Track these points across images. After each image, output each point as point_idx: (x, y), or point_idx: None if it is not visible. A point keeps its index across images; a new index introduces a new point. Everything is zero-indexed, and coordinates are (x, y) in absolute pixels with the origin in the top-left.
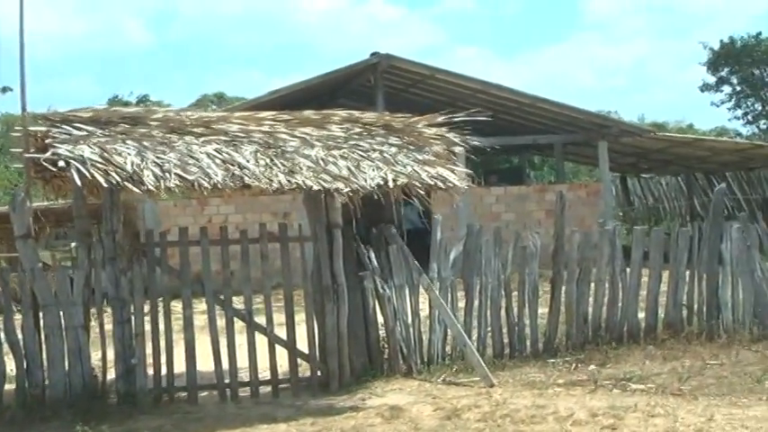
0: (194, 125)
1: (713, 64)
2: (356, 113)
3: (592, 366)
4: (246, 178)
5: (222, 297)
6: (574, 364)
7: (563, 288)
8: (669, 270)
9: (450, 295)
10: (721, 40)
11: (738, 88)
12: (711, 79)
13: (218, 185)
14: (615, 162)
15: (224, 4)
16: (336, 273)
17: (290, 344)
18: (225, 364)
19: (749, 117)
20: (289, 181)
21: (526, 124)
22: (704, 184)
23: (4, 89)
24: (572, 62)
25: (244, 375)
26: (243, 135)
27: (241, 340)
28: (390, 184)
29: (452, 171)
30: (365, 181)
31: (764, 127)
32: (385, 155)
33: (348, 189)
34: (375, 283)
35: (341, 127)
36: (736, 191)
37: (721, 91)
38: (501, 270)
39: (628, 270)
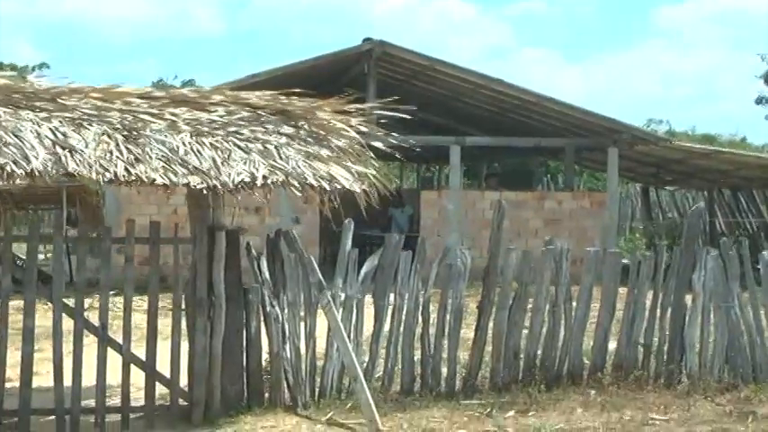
0: (41, 98)
1: None
2: (243, 94)
3: (511, 413)
4: (73, 166)
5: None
6: (490, 409)
7: (492, 316)
8: (626, 300)
9: (355, 317)
10: None
11: None
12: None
13: (36, 172)
14: (635, 172)
15: None
16: (215, 283)
17: (148, 364)
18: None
19: None
20: (128, 172)
21: (533, 125)
22: (730, 201)
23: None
24: (639, 69)
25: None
26: (95, 113)
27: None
28: (259, 181)
29: (350, 170)
30: (228, 176)
31: None
32: (268, 146)
33: (204, 185)
34: (263, 297)
35: (226, 109)
36: (763, 211)
37: None
38: (420, 290)
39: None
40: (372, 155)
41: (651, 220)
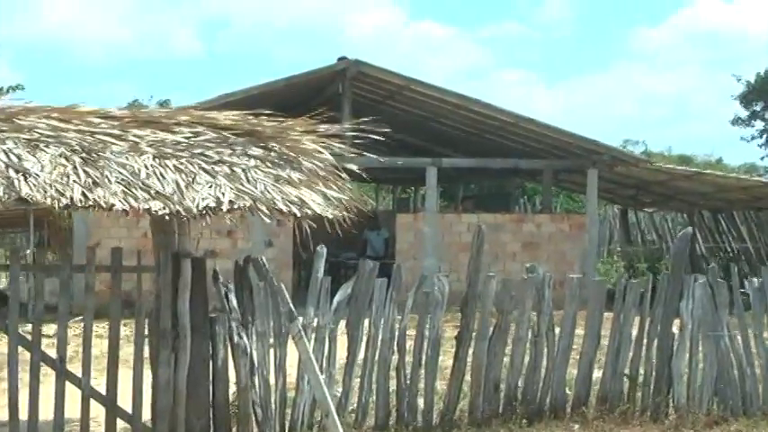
0: None
1: (746, 98)
2: (210, 114)
3: None
4: (26, 190)
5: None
6: None
7: (471, 346)
8: (611, 329)
9: (327, 348)
10: (757, 73)
11: None
12: (744, 113)
13: None
14: (614, 193)
15: (275, 18)
16: (180, 312)
17: (108, 399)
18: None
19: None
20: (85, 196)
21: (511, 146)
22: (711, 224)
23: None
24: (616, 90)
25: None
26: (52, 134)
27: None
28: (225, 206)
29: (322, 194)
30: (192, 201)
31: None
32: (235, 169)
33: (166, 210)
34: (231, 328)
35: (191, 130)
36: (744, 235)
37: (752, 126)
38: (395, 319)
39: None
40: (347, 176)
41: (630, 242)
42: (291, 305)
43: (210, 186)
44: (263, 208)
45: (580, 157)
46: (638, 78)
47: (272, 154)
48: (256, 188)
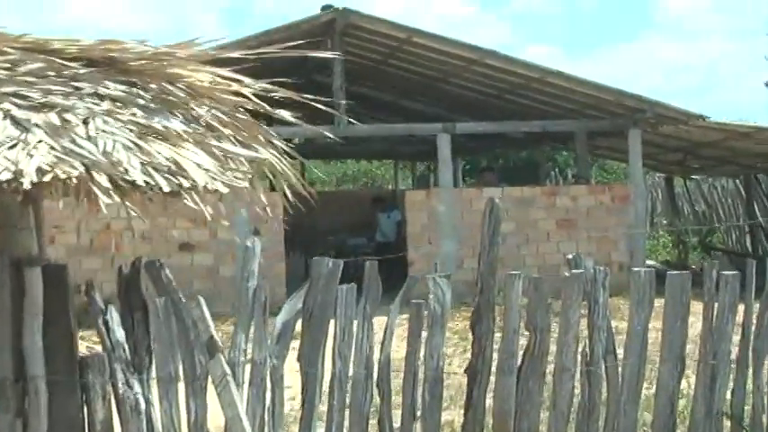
0: None
1: None
2: (53, 39)
3: None
4: None
5: None
6: None
7: (489, 382)
8: (699, 347)
9: (272, 396)
10: None
11: None
12: None
13: None
14: (657, 159)
15: (297, 5)
16: (28, 353)
17: None
18: None
19: None
20: None
21: (537, 108)
22: None
23: None
24: (641, 62)
25: None
26: None
27: None
28: (29, 178)
29: (217, 156)
30: None
31: None
32: (69, 117)
33: None
34: (113, 373)
35: (6, 58)
36: None
37: None
38: (371, 346)
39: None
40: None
41: (678, 214)
42: (213, 330)
43: (14, 146)
44: (103, 179)
45: (618, 116)
46: (664, 48)
47: (142, 94)
48: (98, 147)
